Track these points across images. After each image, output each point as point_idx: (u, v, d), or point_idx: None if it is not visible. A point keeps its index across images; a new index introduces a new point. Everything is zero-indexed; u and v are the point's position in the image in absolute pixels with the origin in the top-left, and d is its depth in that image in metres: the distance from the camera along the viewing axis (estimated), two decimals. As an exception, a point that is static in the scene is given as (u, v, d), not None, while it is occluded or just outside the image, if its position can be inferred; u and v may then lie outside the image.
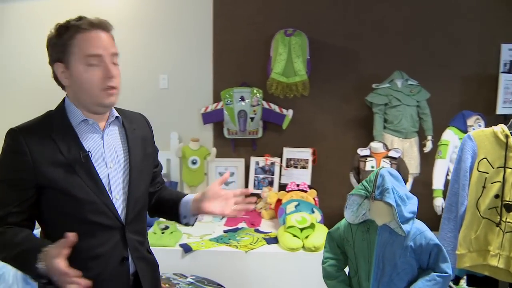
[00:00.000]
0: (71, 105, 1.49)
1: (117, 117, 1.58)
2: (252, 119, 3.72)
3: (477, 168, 2.11)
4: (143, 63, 3.92)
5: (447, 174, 3.16)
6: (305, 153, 3.79)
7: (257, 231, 3.20)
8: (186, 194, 1.73)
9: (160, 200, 1.76)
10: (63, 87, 1.51)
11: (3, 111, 4.16)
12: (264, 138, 3.88)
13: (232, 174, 3.86)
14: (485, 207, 2.09)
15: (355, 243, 1.78)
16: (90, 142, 1.49)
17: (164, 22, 3.92)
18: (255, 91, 3.70)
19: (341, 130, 3.83)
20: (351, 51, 3.75)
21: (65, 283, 1.23)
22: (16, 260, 1.37)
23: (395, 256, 1.68)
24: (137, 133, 1.64)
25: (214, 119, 3.80)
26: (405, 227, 1.65)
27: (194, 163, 3.79)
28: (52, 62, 1.47)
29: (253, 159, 3.85)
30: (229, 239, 3.03)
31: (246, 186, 3.85)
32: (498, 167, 2.09)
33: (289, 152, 3.82)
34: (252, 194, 3.68)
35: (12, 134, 1.43)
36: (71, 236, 1.26)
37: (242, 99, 3.71)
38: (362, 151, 3.27)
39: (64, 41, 1.42)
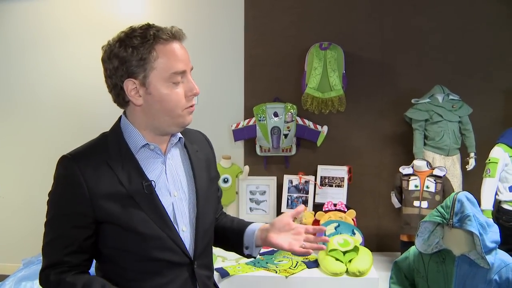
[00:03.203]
0: (129, 126, 1.33)
1: (179, 138, 1.42)
2: (285, 135, 3.57)
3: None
4: (172, 77, 3.81)
5: (496, 194, 3.00)
6: (341, 171, 3.64)
7: (294, 253, 3.04)
8: (251, 223, 1.56)
9: (220, 228, 1.58)
10: (124, 105, 1.34)
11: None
12: (297, 156, 3.73)
13: (263, 192, 3.72)
14: None
15: (429, 275, 1.63)
16: (152, 170, 1.33)
17: (193, 35, 3.77)
18: (289, 107, 3.56)
19: (378, 147, 3.67)
20: (389, 64, 3.60)
21: None
22: None
23: (477, 291, 1.52)
24: (200, 156, 1.48)
25: (245, 135, 3.66)
26: (489, 258, 1.49)
27: (225, 181, 3.65)
28: (119, 78, 1.27)
29: (286, 177, 3.70)
30: (267, 262, 2.88)
31: (279, 205, 3.69)
32: None
33: (323, 170, 3.67)
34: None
35: (65, 163, 1.27)
36: None
37: (276, 115, 3.56)
38: (404, 170, 3.13)
39: (141, 54, 1.24)
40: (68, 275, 1.25)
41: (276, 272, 2.72)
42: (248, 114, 3.70)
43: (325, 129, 3.61)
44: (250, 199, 3.73)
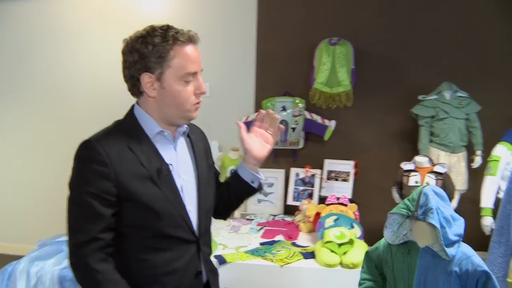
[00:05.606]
0: (144, 114, 1.47)
1: (186, 127, 1.58)
2: (293, 129, 3.65)
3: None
4: (185, 70, 3.92)
5: (498, 192, 2.99)
6: (347, 166, 3.68)
7: (294, 244, 3.11)
8: (236, 169, 1.73)
9: (225, 192, 1.73)
10: (138, 95, 1.49)
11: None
12: (305, 149, 3.80)
13: (271, 185, 3.79)
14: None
15: (395, 265, 1.68)
16: (166, 154, 1.48)
17: (207, 30, 3.90)
18: (297, 101, 3.63)
19: (385, 142, 3.70)
20: (397, 61, 3.62)
21: None
22: None
23: (438, 282, 1.56)
24: (200, 145, 1.65)
25: (254, 128, 3.74)
26: (450, 250, 1.53)
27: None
28: (136, 71, 1.42)
29: (293, 170, 3.78)
30: (265, 252, 2.95)
31: (285, 197, 3.77)
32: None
33: (330, 164, 3.72)
34: (291, 206, 3.68)
35: (88, 145, 1.38)
36: None
37: (284, 109, 3.64)
38: (405, 165, 3.14)
39: (160, 52, 1.39)
40: (108, 263, 1.36)
41: (272, 261, 2.80)
42: (259, 107, 3.78)
43: (332, 123, 3.66)
44: (258, 190, 3.81)
